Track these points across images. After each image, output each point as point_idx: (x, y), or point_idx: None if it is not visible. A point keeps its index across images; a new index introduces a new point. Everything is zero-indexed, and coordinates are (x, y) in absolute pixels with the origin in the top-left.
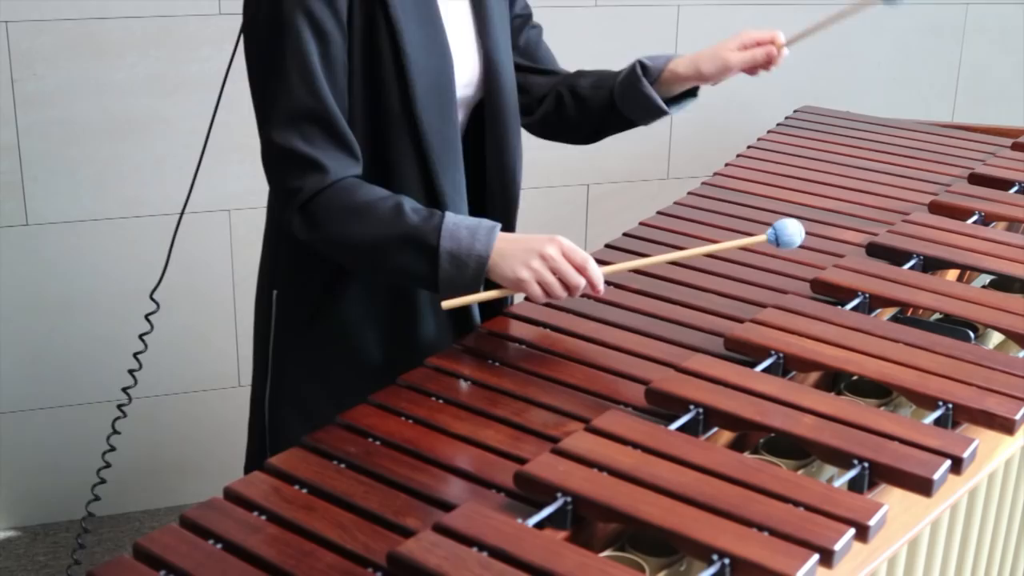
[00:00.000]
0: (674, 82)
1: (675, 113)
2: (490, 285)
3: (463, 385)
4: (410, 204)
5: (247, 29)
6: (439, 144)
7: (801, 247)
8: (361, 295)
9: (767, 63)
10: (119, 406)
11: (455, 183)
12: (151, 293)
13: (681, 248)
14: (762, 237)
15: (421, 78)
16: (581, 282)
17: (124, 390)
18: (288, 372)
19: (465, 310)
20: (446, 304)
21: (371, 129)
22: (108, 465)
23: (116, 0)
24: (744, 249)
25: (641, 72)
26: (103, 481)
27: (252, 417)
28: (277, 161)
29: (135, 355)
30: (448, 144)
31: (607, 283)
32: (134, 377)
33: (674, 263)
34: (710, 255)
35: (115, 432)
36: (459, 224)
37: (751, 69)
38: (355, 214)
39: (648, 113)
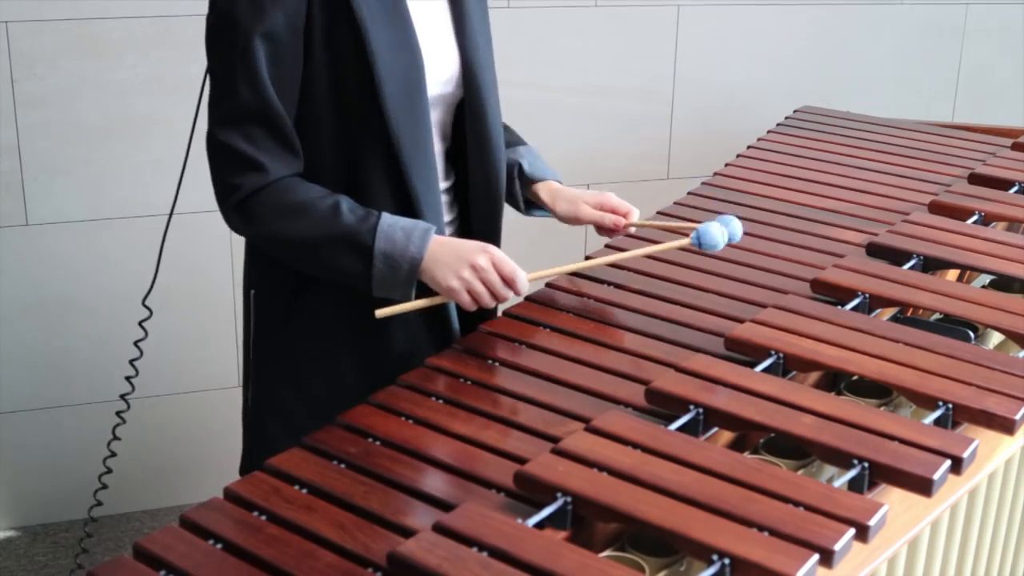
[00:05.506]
0: (534, 198)
1: (530, 216)
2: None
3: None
4: (348, 204)
5: (206, 28)
6: (409, 143)
7: (801, 247)
8: (330, 296)
9: (611, 231)
10: (118, 413)
11: (428, 182)
12: (143, 299)
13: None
14: (685, 241)
15: (390, 78)
16: (509, 294)
17: (122, 397)
18: (265, 375)
19: (445, 320)
20: (380, 312)
21: (339, 128)
22: (109, 471)
23: (116, 0)
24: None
25: (517, 174)
26: (105, 487)
27: (243, 419)
28: (218, 159)
29: (131, 362)
30: (419, 143)
31: (609, 283)
32: (131, 384)
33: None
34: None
35: (116, 438)
36: (395, 225)
37: (598, 228)
38: (292, 212)
39: (512, 202)
